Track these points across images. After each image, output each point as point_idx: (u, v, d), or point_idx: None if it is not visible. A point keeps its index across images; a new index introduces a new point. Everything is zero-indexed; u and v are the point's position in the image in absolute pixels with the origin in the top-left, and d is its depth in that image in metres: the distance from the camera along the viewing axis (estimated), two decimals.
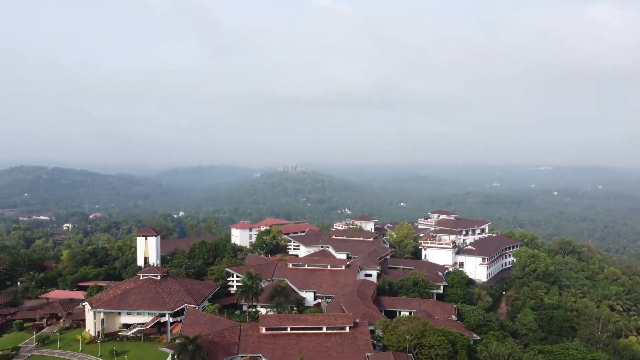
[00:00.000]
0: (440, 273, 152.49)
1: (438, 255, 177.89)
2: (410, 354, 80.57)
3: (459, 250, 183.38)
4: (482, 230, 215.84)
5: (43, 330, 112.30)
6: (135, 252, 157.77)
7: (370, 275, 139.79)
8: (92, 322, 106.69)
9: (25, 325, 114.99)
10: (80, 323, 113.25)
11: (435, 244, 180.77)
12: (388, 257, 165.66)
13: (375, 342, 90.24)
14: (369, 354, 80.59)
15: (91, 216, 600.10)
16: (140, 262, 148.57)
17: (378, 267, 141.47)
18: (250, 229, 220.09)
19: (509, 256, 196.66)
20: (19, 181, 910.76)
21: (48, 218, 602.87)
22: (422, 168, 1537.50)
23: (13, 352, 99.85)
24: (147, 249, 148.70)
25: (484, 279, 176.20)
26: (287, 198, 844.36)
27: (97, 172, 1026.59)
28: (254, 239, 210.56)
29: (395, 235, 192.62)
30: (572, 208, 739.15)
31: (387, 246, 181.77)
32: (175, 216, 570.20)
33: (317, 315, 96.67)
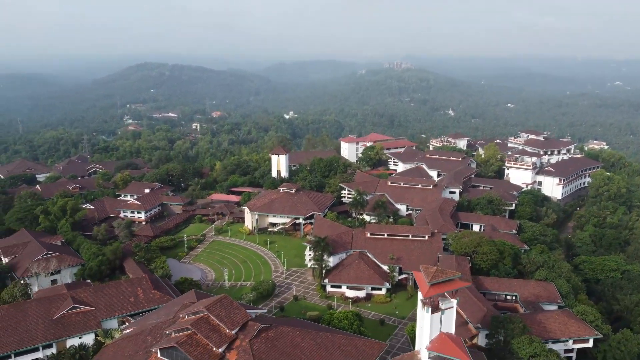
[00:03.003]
0: (515, 192, 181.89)
1: (519, 174, 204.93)
2: (469, 257, 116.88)
3: (539, 170, 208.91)
4: (568, 151, 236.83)
5: (215, 223, 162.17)
6: (268, 164, 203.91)
7: (454, 193, 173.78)
8: (249, 220, 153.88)
9: (203, 219, 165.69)
10: (239, 219, 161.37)
11: (517, 164, 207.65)
12: (472, 176, 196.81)
13: (445, 247, 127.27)
14: (440, 255, 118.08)
15: (212, 114, 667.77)
16: (274, 174, 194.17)
17: (461, 186, 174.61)
18: (357, 143, 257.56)
19: (588, 176, 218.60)
20: (145, 77, 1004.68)
21: (176, 115, 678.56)
22: (536, 62, 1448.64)
23: (202, 237, 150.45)
24: (279, 164, 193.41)
25: (559, 197, 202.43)
26: (391, 97, 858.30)
27: (211, 69, 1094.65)
28: (360, 151, 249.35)
29: (483, 155, 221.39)
30: None
31: (474, 165, 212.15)
32: (286, 117, 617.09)
33: (405, 226, 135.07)
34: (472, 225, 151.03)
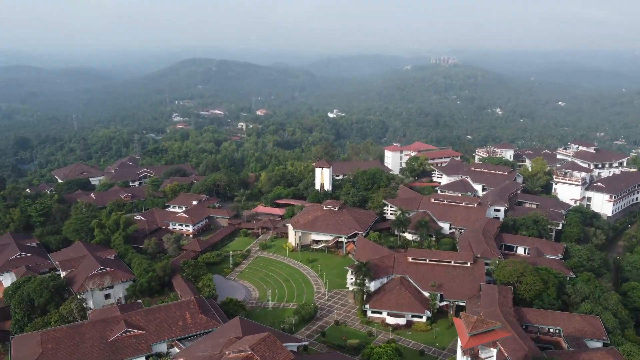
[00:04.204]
0: (562, 211, 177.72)
1: (567, 190, 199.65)
2: (512, 287, 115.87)
3: (589, 185, 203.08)
4: (620, 164, 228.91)
5: (259, 238, 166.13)
6: (312, 176, 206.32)
7: (498, 210, 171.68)
8: (293, 237, 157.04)
9: (247, 233, 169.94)
10: (283, 235, 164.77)
11: (565, 179, 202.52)
12: (518, 192, 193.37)
13: (488, 272, 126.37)
14: (482, 284, 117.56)
15: (258, 112, 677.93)
16: (317, 186, 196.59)
17: (506, 205, 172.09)
18: (401, 152, 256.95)
19: None
20: (193, 73, 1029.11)
21: (222, 113, 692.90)
22: (589, 57, 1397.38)
23: (247, 252, 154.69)
24: (323, 177, 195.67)
25: (609, 214, 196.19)
26: (437, 95, 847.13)
27: (257, 64, 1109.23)
28: (404, 160, 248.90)
29: (530, 169, 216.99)
30: None
31: (521, 179, 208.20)
32: (331, 115, 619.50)
33: (448, 252, 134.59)
34: (516, 247, 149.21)
